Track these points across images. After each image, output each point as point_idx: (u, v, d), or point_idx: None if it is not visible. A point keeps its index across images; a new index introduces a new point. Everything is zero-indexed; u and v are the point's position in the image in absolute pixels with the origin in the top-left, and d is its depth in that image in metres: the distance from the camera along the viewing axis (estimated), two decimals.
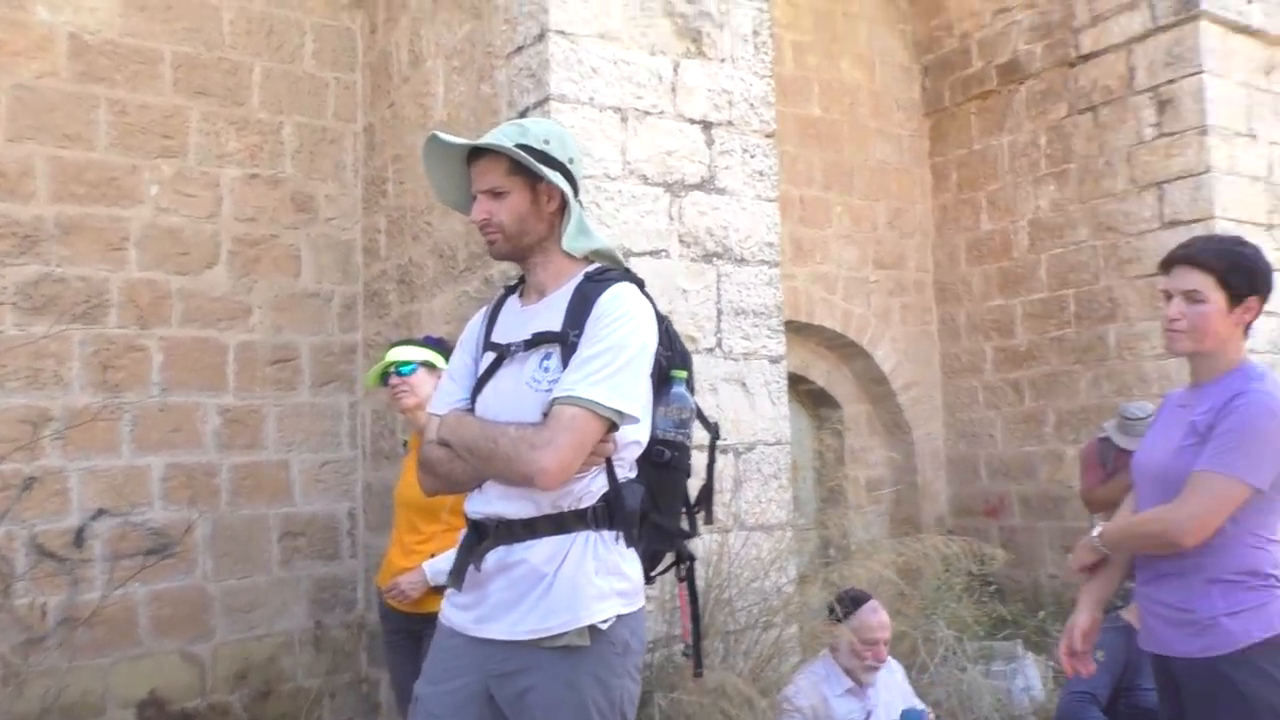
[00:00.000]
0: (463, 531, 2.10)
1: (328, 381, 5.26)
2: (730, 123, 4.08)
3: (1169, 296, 2.42)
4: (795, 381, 7.72)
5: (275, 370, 5.12)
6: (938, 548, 4.52)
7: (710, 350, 3.99)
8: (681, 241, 3.95)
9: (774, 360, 4.20)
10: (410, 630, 3.15)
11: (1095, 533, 2.54)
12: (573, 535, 1.95)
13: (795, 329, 7.36)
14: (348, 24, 5.44)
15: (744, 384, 4.10)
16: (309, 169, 5.28)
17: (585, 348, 1.93)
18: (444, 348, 3.31)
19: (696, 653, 2.22)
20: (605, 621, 1.93)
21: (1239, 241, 2.46)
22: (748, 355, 4.11)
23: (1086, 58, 6.78)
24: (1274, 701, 2.22)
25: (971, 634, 5.26)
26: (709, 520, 2.19)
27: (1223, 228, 6.14)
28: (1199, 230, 6.16)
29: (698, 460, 2.18)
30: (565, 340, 1.96)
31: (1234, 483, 2.24)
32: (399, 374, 3.24)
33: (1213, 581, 2.29)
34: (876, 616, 3.50)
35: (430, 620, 2.30)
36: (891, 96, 7.81)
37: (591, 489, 1.97)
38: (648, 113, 3.87)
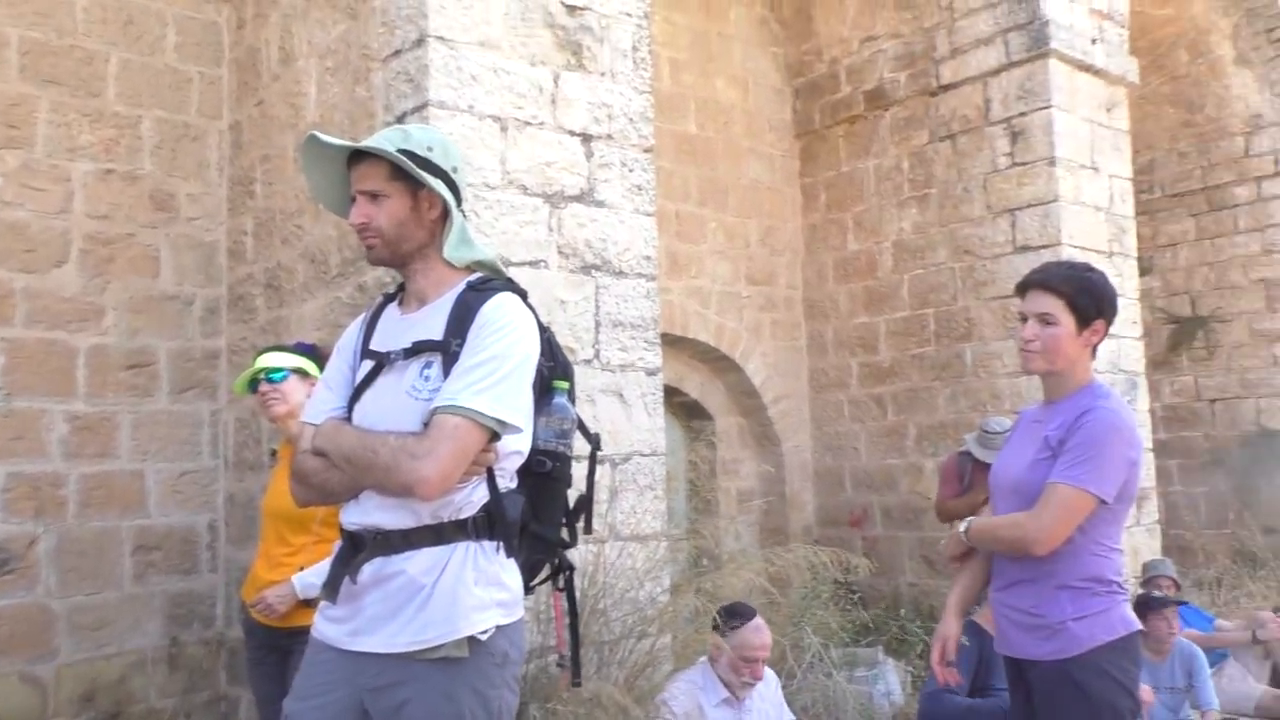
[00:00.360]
0: (336, 543, 2.05)
1: (188, 388, 5.04)
2: (610, 136, 4.12)
3: (1024, 318, 2.56)
4: (670, 393, 7.80)
5: (130, 375, 4.87)
6: (806, 557, 4.65)
7: (588, 361, 4.01)
8: (561, 253, 3.95)
9: (651, 372, 4.24)
10: (276, 646, 3.05)
11: (963, 527, 2.67)
12: (452, 546, 1.93)
13: (670, 342, 7.45)
14: (213, 17, 5.24)
15: (621, 395, 4.13)
16: (170, 166, 5.06)
17: (468, 357, 1.92)
18: (316, 355, 3.22)
19: (575, 662, 2.23)
20: (485, 632, 1.92)
21: (1087, 268, 2.62)
22: (625, 367, 4.14)
23: (947, 88, 7.11)
24: (1114, 700, 2.37)
25: (837, 641, 5.43)
26: (588, 530, 2.20)
27: (1068, 254, 6.53)
28: (1048, 255, 6.54)
29: (577, 471, 2.20)
30: (447, 349, 1.95)
31: (1083, 495, 2.39)
32: (269, 381, 3.14)
33: (1062, 588, 2.43)
34: (759, 636, 3.55)
35: (298, 635, 2.24)
36: (765, 117, 8.02)
37: (472, 499, 1.95)
38: (528, 123, 3.87)
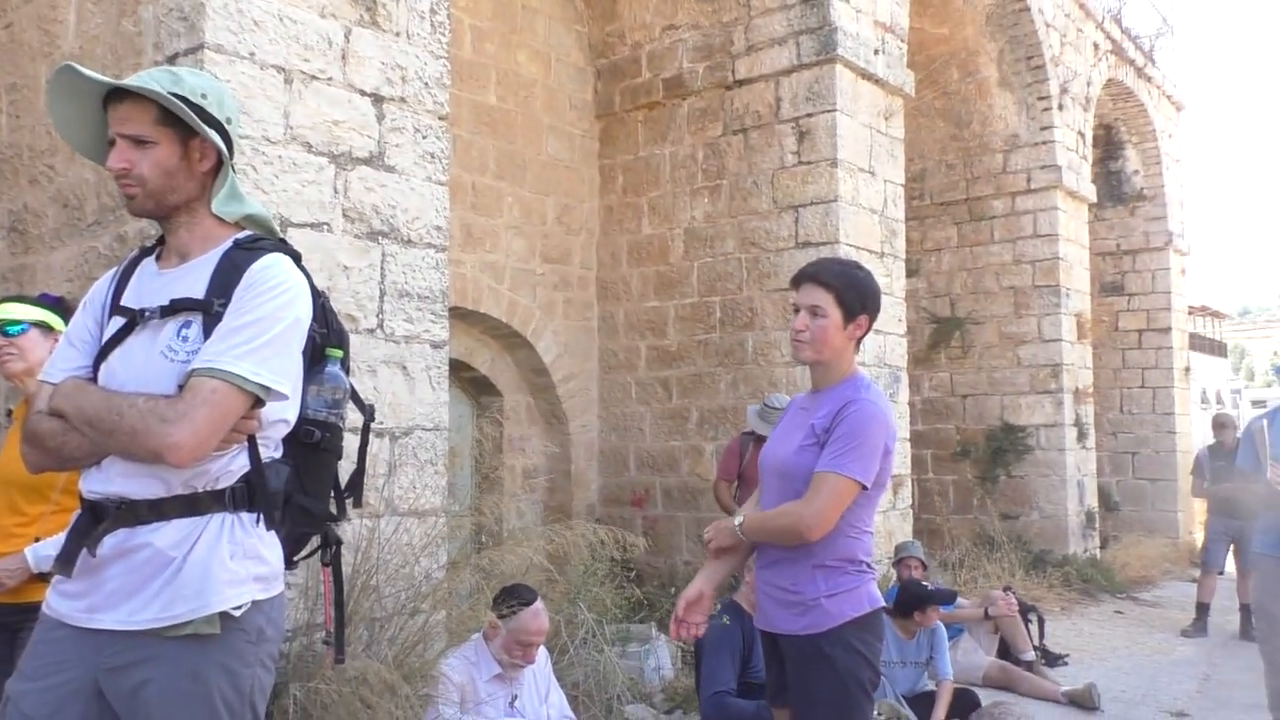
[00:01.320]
0: (75, 513, 1.89)
1: None
2: (403, 99, 3.99)
3: (797, 309, 2.69)
4: (458, 368, 7.70)
5: None
6: (585, 535, 4.71)
7: (371, 331, 3.88)
8: (346, 216, 3.80)
9: (437, 345, 4.16)
10: (4, 623, 2.79)
11: (738, 521, 2.73)
12: (207, 517, 1.82)
13: (461, 315, 7.34)
14: None
15: (404, 367, 4.03)
16: None
17: (232, 318, 1.81)
18: (63, 308, 2.95)
19: (339, 640, 2.15)
20: (239, 608, 1.82)
21: (856, 265, 2.77)
22: (410, 338, 4.04)
23: (741, 83, 7.34)
24: (858, 672, 2.53)
25: (611, 617, 5.53)
26: (358, 504, 2.13)
27: (845, 251, 6.91)
28: (827, 252, 6.90)
29: (350, 443, 2.12)
30: (209, 309, 1.83)
31: (849, 482, 2.53)
32: (5, 334, 2.85)
33: (818, 567, 2.57)
34: (536, 621, 3.54)
35: (30, 612, 2.05)
36: (566, 95, 8.01)
37: (231, 469, 1.85)
38: (315, 77, 3.69)
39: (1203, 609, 8.22)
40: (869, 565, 2.63)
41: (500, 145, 7.40)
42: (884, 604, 2.65)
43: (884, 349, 7.33)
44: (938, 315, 10.92)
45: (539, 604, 3.56)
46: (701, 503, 7.47)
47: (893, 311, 7.45)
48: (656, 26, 7.86)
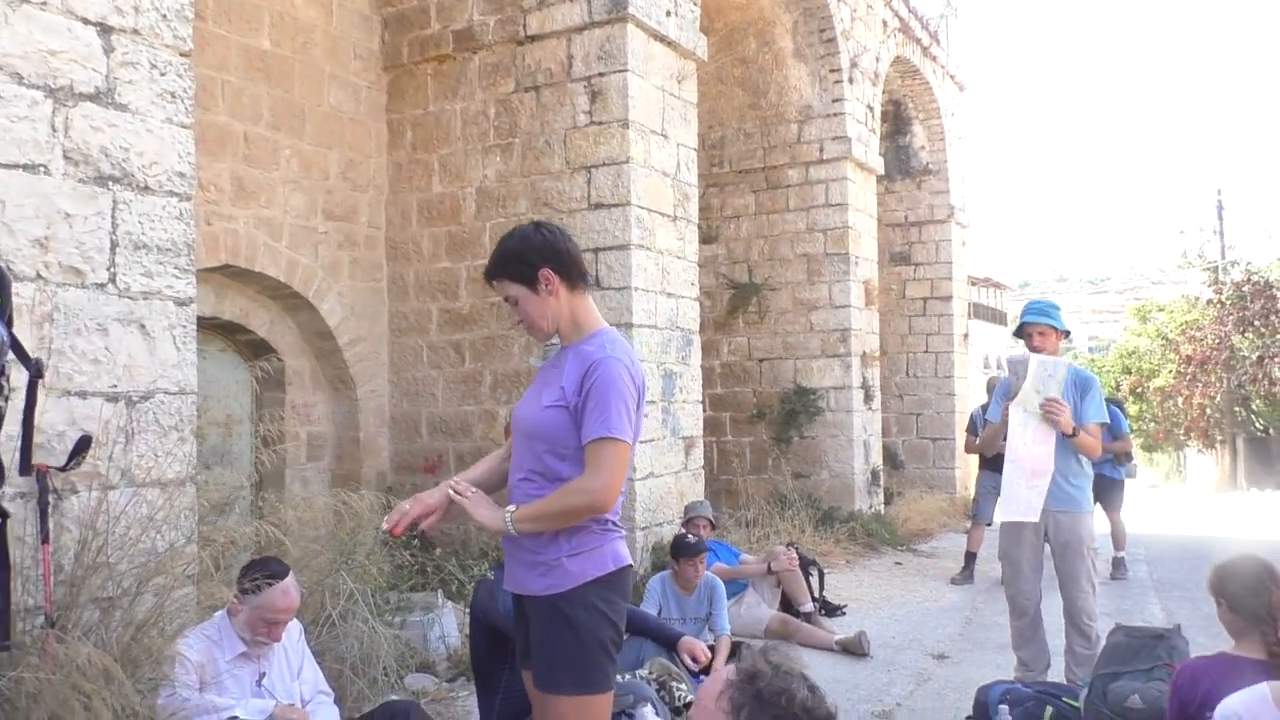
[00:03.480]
0: None
1: None
2: (136, 31, 3.63)
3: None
4: (233, 330, 7.26)
5: None
6: (352, 503, 4.52)
7: (101, 286, 3.54)
8: (68, 158, 3.43)
9: (182, 302, 3.84)
10: None
11: (508, 512, 2.53)
12: None
13: (234, 274, 6.90)
14: None
15: (143, 326, 3.70)
16: None
17: None
18: None
19: (4, 623, 1.92)
20: None
21: (505, 238, 2.66)
22: (149, 294, 3.71)
23: (533, 39, 7.18)
24: (598, 631, 2.48)
25: (390, 586, 5.36)
26: (25, 471, 1.90)
27: (637, 215, 6.90)
28: (619, 215, 6.88)
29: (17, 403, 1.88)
30: None
31: (620, 444, 2.47)
32: None
33: (562, 528, 2.51)
34: (285, 599, 3.29)
35: None
36: (350, 43, 7.62)
37: None
38: (26, 0, 3.30)
39: (970, 558, 8.79)
40: (615, 524, 2.58)
41: (276, 94, 6.96)
42: (629, 562, 2.60)
43: (676, 312, 7.39)
44: (736, 281, 11.16)
45: (290, 580, 3.34)
46: None
47: (685, 276, 7.53)
48: None
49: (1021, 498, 4.68)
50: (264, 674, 3.38)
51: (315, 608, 4.30)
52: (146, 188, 3.69)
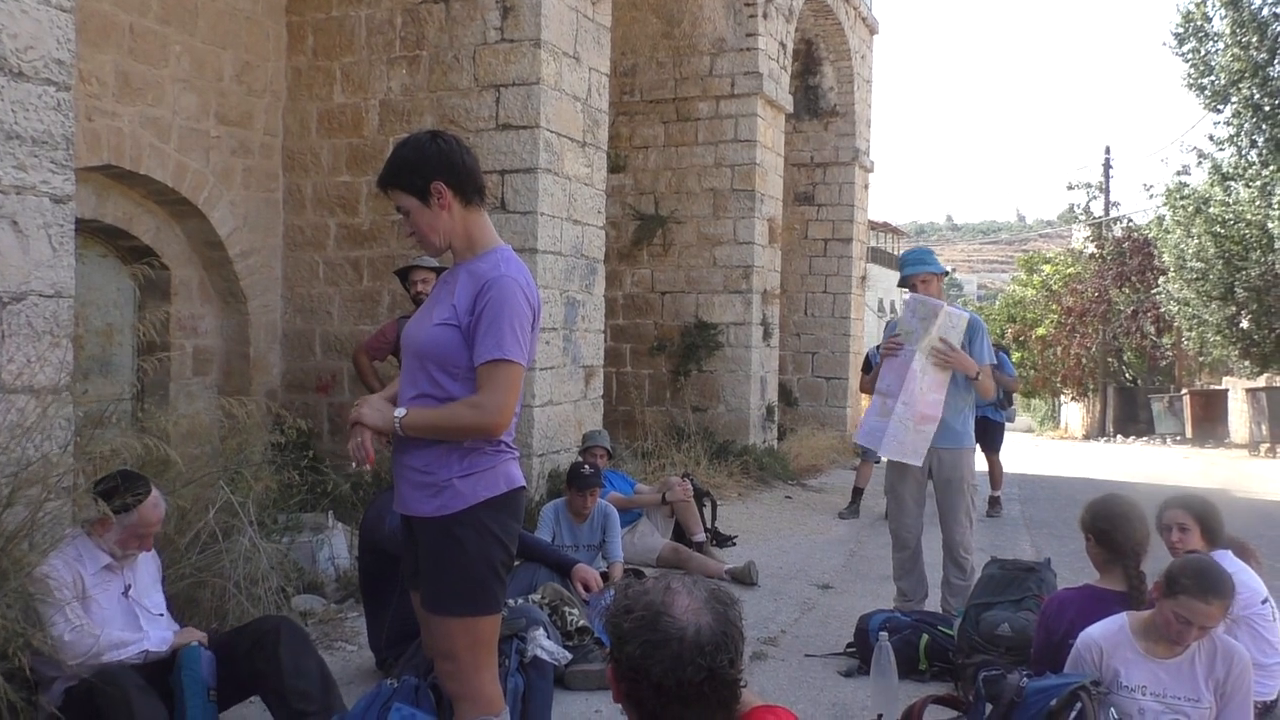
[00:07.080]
0: None
1: None
2: None
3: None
4: (116, 236, 6.89)
5: None
6: (243, 415, 4.37)
7: None
8: None
9: (58, 199, 3.61)
10: None
11: (398, 416, 2.49)
12: None
13: (118, 176, 6.53)
14: None
15: (15, 223, 3.47)
16: None
17: None
18: None
19: None
20: None
21: (400, 145, 2.57)
22: (21, 189, 3.47)
23: None
24: (489, 553, 2.46)
25: (282, 506, 5.24)
26: None
27: (546, 138, 6.76)
28: (527, 137, 6.73)
29: None
30: None
31: (514, 366, 2.43)
32: None
33: (454, 448, 2.46)
34: (155, 512, 3.24)
35: None
36: None
37: None
38: None
39: (857, 493, 9.08)
40: (509, 445, 2.55)
41: None
42: (522, 484, 2.58)
43: (581, 240, 7.32)
44: (642, 213, 11.10)
45: (156, 493, 3.26)
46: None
47: (592, 203, 7.44)
48: None
49: (908, 441, 4.83)
50: (129, 585, 3.30)
51: (198, 525, 4.17)
52: (21, 73, 3.43)
